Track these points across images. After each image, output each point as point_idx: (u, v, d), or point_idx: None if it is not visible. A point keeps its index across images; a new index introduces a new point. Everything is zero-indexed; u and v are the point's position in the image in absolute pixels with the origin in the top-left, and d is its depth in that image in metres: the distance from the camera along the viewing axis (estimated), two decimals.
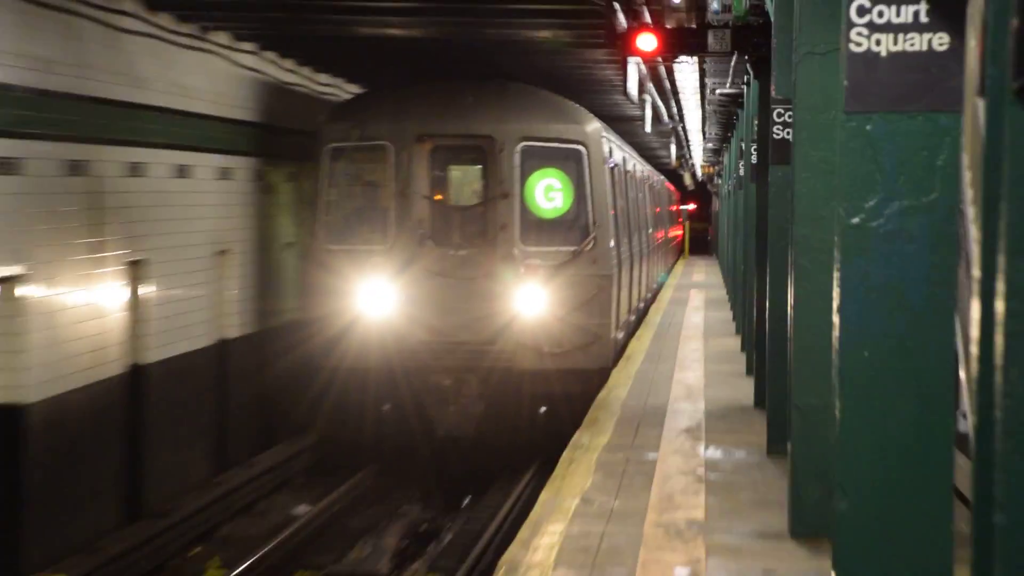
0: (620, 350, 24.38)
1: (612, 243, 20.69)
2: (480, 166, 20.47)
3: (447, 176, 20.58)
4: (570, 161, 19.42)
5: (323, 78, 31.08)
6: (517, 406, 18.97)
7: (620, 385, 27.95)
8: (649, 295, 48.80)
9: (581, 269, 18.77)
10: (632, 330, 38.75)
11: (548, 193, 18.78)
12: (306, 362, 20.47)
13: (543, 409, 19.07)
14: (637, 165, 43.28)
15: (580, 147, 19.20)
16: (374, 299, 19.20)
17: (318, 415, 23.99)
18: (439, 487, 23.30)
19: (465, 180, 21.10)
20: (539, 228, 19.44)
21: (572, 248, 18.72)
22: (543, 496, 16.89)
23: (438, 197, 22.97)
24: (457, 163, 20.78)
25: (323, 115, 20.75)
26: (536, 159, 19.77)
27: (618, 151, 28.18)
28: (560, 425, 20.20)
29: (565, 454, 20.70)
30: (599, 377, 19.43)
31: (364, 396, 20.61)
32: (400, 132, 19.46)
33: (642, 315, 44.24)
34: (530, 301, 19.07)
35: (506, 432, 21.35)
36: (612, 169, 22.98)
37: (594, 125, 21.05)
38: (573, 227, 19.10)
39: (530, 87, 22.51)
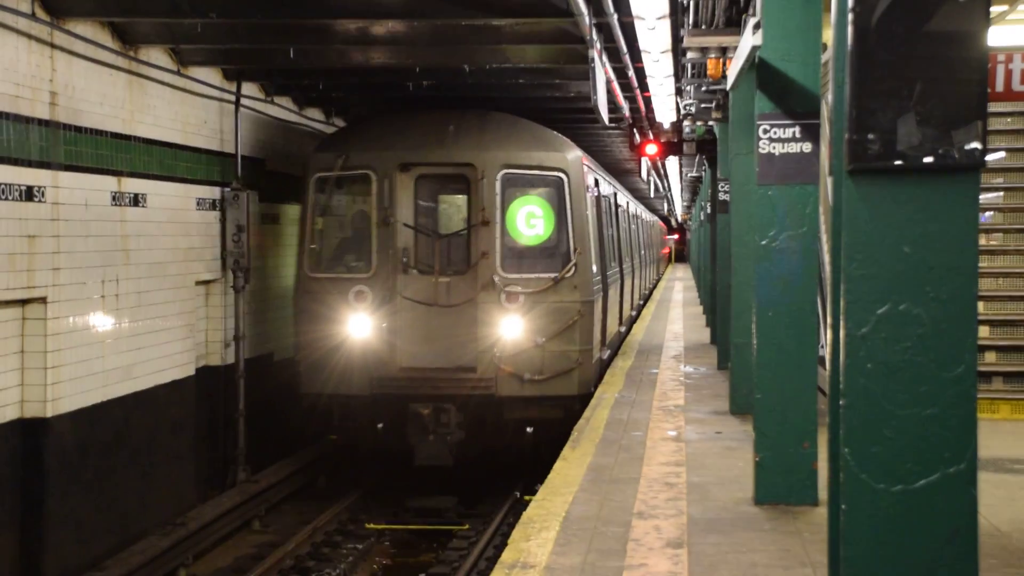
0: (607, 366, 18.48)
1: (595, 268, 15.33)
2: (462, 194, 15.21)
3: (429, 204, 15.39)
4: (551, 188, 14.52)
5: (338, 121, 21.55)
6: (497, 433, 14.54)
7: (638, 333, 27.03)
8: (650, 288, 43.23)
9: (562, 296, 14.01)
10: (639, 311, 33.05)
11: (529, 220, 14.07)
12: (293, 387, 15.45)
13: (530, 429, 14.38)
14: (631, 204, 34.49)
15: (561, 175, 14.35)
16: (357, 327, 14.45)
17: (305, 436, 18.00)
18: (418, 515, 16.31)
19: (447, 208, 15.81)
20: (520, 255, 14.46)
21: (553, 275, 14.09)
22: (598, 391, 16.99)
23: (420, 224, 16.10)
24: (439, 191, 15.44)
25: (311, 146, 16.09)
26: (517, 186, 14.68)
27: (606, 185, 21.24)
28: (542, 447, 15.13)
29: (608, 371, 19.75)
30: (580, 403, 14.78)
31: (348, 421, 15.43)
32: (383, 160, 14.45)
33: (647, 298, 39.54)
34: (511, 328, 14.24)
35: (486, 459, 15.94)
36: (597, 198, 17.34)
37: (575, 154, 15.55)
38: (554, 254, 14.20)
39: (511, 116, 16.50)
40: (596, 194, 17.00)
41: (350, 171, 14.35)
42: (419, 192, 14.60)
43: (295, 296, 14.91)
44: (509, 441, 14.50)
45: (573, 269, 13.84)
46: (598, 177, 17.72)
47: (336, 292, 14.25)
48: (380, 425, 14.42)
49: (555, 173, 14.13)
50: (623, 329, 23.76)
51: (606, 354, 17.40)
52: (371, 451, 15.88)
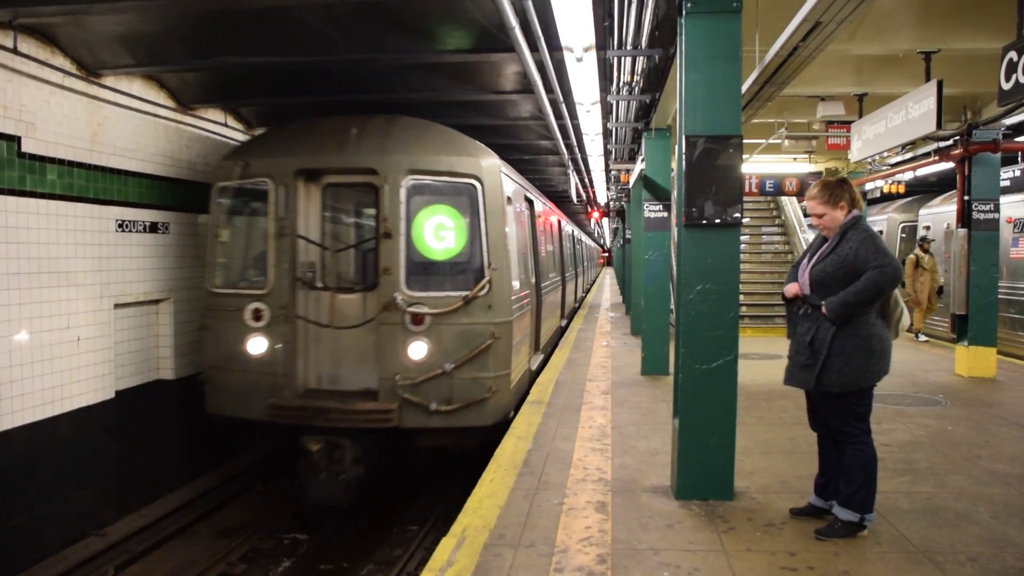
0: (539, 372, 9.81)
1: (518, 284, 7.39)
2: (364, 204, 6.91)
3: (339, 216, 7.00)
4: (463, 197, 6.29)
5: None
6: (411, 459, 7.21)
7: (588, 299, 24.95)
8: (593, 280, 33.59)
9: (474, 317, 6.03)
10: (588, 290, 26.05)
11: (438, 232, 6.21)
12: (196, 409, 7.25)
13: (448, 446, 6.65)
14: (583, 236, 25.58)
15: (474, 182, 6.32)
16: (254, 347, 6.59)
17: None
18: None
19: (346, 219, 7.17)
20: (428, 271, 6.21)
21: (463, 293, 6.05)
22: (572, 324, 15.59)
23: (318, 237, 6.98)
24: (339, 200, 6.86)
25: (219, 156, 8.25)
26: (425, 195, 6.32)
27: (539, 203, 11.62)
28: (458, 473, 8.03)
29: (576, 316, 17.69)
30: (496, 432, 6.45)
31: (247, 444, 8.88)
32: (280, 167, 6.46)
33: (592, 283, 32.35)
34: (416, 353, 6.03)
35: (392, 495, 7.89)
36: (531, 215, 9.89)
37: (492, 161, 6.77)
38: (466, 270, 6.17)
39: (422, 120, 7.13)
40: (524, 209, 9.38)
41: (249, 179, 7.15)
42: (327, 203, 7.30)
43: (201, 313, 7.59)
44: (427, 462, 8.05)
45: (487, 287, 6.78)
46: (520, 187, 9.37)
47: (235, 309, 7.04)
48: (304, 439, 6.73)
49: (467, 180, 6.90)
50: (564, 323, 14.37)
51: (536, 363, 9.67)
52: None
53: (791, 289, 4.21)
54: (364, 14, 6.62)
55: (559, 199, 22.34)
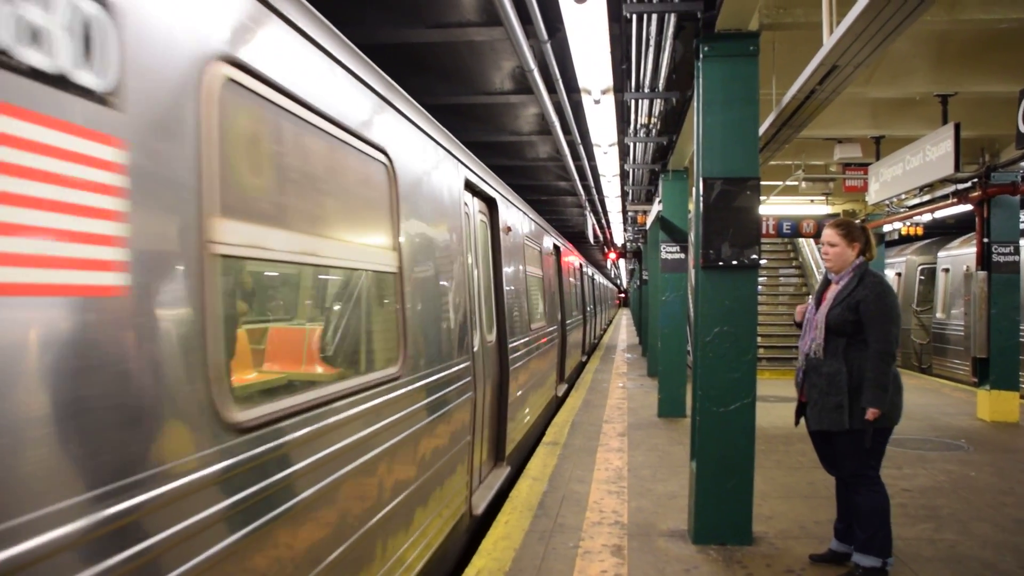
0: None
1: None
2: None
3: None
4: None
5: None
6: None
7: (605, 339, 24.67)
8: (610, 319, 33.18)
9: None
10: (606, 329, 25.40)
11: None
12: None
13: None
14: (600, 279, 24.70)
15: None
16: None
17: None
18: None
19: None
20: None
21: None
22: (589, 365, 15.56)
23: None
24: None
25: None
26: None
27: (549, 238, 9.47)
28: None
29: (593, 357, 17.75)
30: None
31: None
32: None
33: (609, 323, 31.79)
34: None
35: None
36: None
37: None
38: None
39: None
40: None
41: None
42: None
43: None
44: None
45: None
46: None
47: None
48: None
49: None
50: (584, 359, 13.36)
51: None
52: None
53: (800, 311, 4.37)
54: (387, 53, 6.77)
55: (577, 241, 22.40)
